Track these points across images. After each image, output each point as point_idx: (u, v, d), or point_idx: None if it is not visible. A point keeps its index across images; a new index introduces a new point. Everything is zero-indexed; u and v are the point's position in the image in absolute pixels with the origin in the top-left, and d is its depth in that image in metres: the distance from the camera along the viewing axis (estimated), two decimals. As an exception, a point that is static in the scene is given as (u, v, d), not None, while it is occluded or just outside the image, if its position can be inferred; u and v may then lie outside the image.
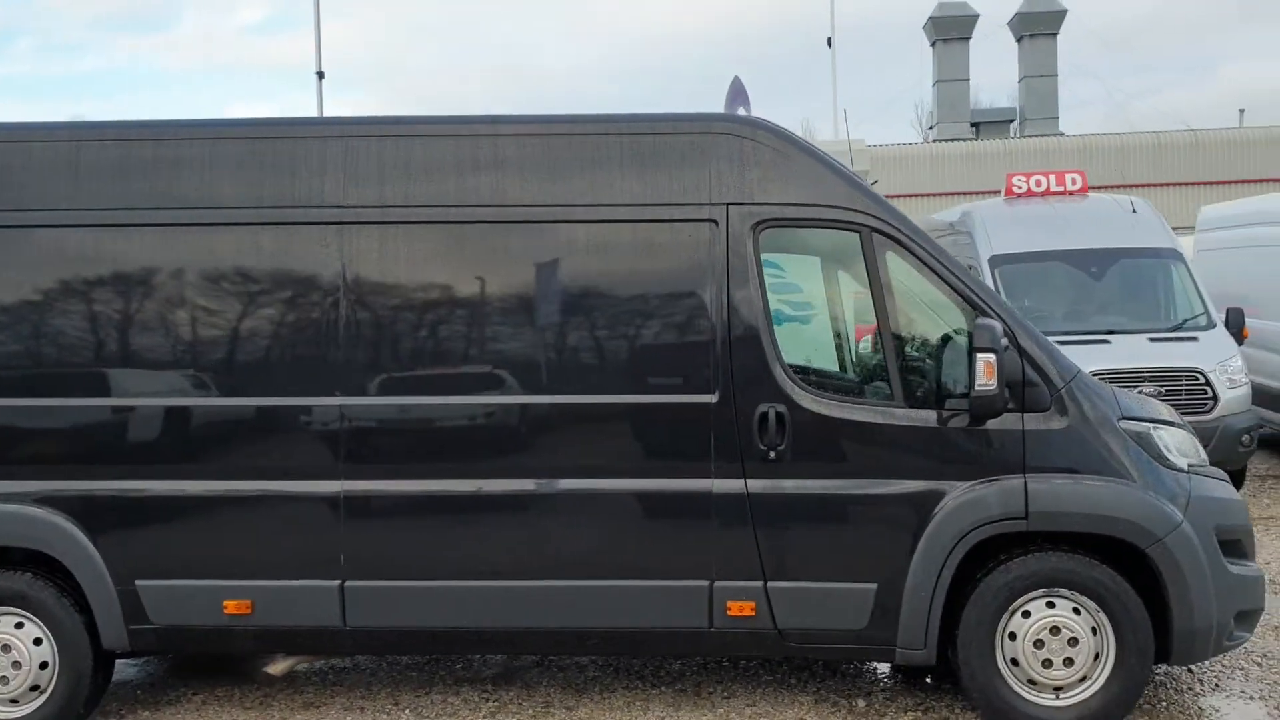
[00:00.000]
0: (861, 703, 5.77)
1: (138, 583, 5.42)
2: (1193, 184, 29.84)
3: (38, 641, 5.47)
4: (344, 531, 5.37)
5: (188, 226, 5.47)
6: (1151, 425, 5.39)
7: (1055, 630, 5.19)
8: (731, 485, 5.26)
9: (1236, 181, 29.15)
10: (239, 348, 5.46)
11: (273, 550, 5.41)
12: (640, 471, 5.34)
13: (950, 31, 37.49)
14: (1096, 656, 5.19)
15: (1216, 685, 5.91)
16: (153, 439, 5.48)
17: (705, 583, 5.29)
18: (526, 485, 5.36)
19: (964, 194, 24.36)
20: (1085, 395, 5.25)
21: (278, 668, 6.15)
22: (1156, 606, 5.18)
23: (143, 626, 5.46)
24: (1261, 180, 29.05)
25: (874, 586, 5.23)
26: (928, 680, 6.02)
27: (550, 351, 5.42)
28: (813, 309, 5.92)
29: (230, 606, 5.40)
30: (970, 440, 5.20)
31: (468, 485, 5.38)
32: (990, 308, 5.21)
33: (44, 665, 5.48)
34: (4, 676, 5.46)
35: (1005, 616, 5.22)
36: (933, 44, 38.04)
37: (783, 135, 5.45)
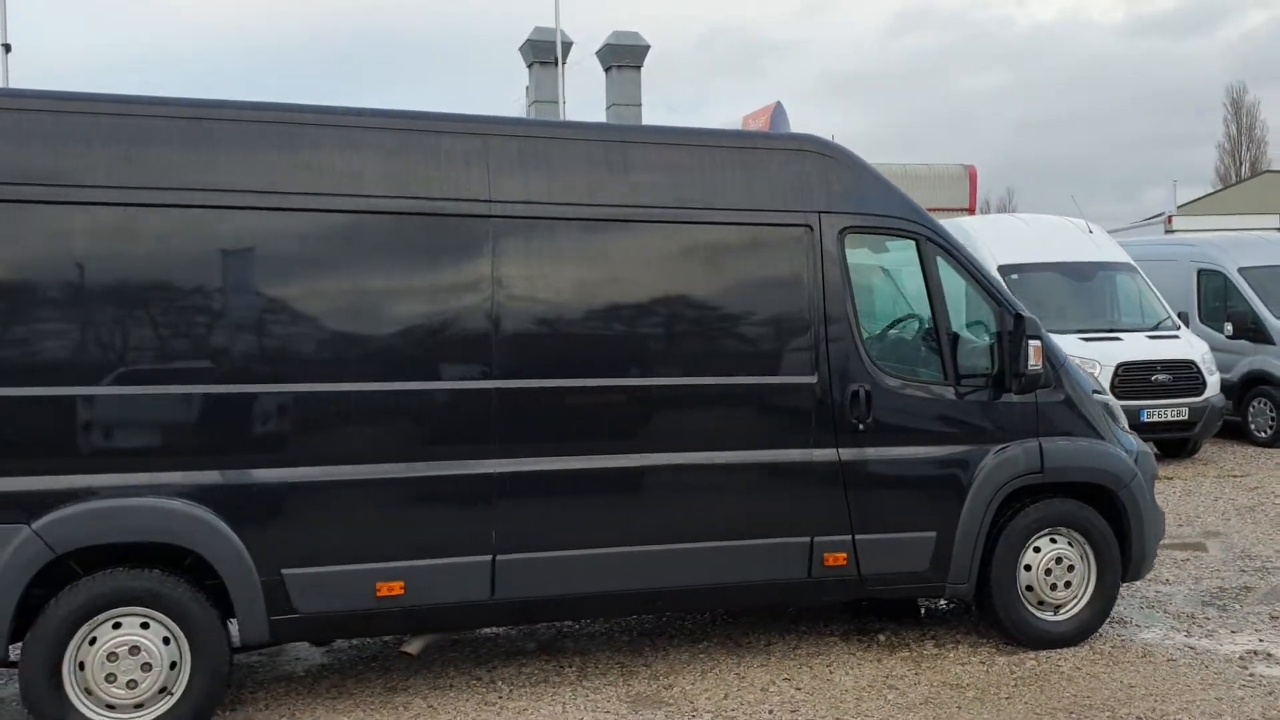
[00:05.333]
0: (882, 637, 6.84)
1: (284, 572, 5.33)
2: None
3: (166, 641, 5.21)
4: (497, 508, 5.61)
5: (332, 213, 5.46)
6: (1108, 398, 6.94)
7: (1059, 560, 6.56)
8: (828, 454, 6.13)
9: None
10: (395, 333, 5.52)
11: (427, 530, 5.54)
12: (755, 444, 6.07)
13: (545, 56, 39.33)
14: (1084, 580, 6.63)
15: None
16: (304, 426, 5.40)
17: (807, 539, 6.11)
18: (660, 459, 5.90)
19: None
20: (1072, 375, 6.68)
21: (413, 646, 6.12)
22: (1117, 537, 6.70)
23: (286, 616, 5.36)
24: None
25: (934, 534, 6.31)
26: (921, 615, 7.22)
27: (675, 339, 6.00)
28: (884, 303, 6.91)
29: (383, 589, 5.46)
30: (1001, 411, 6.44)
31: (611, 461, 5.82)
32: (1013, 305, 6.48)
33: (172, 666, 5.22)
34: (132, 680, 5.14)
35: (1023, 552, 6.52)
36: (529, 66, 39.74)
37: (856, 157, 6.41)
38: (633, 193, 5.92)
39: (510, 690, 6.01)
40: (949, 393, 6.36)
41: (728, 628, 7.08)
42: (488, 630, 6.96)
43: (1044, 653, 6.48)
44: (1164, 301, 14.54)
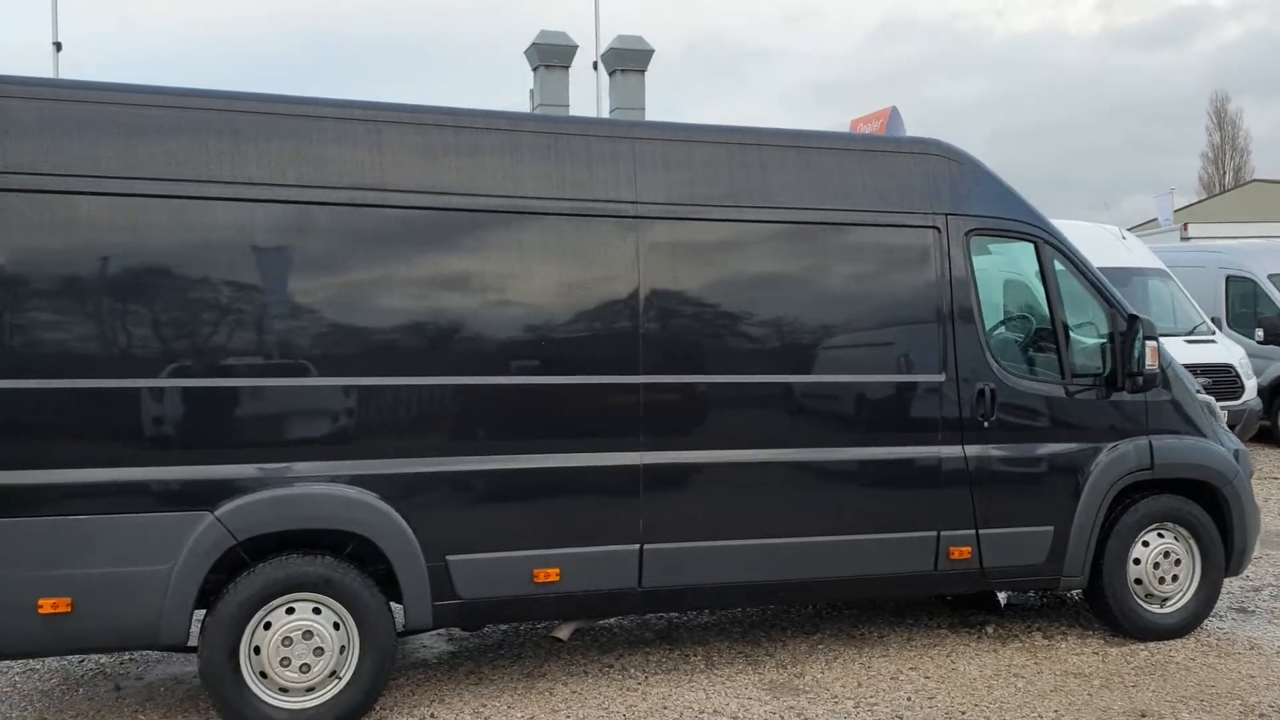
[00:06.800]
0: (990, 628, 7.03)
1: (449, 558, 5.47)
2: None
3: (335, 626, 5.34)
4: (643, 499, 5.77)
5: (492, 213, 5.61)
6: (1209, 398, 7.15)
7: (1166, 554, 6.76)
8: (954, 451, 6.31)
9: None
10: (551, 329, 5.67)
11: (580, 518, 5.69)
12: (886, 441, 6.24)
13: (551, 59, 39.44)
14: (1190, 573, 6.83)
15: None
16: (467, 417, 5.55)
17: (934, 533, 6.29)
18: (796, 454, 6.07)
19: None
20: (1178, 375, 6.89)
21: (563, 631, 6.25)
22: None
23: (449, 602, 5.51)
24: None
25: (1051, 529, 6.50)
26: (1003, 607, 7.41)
27: (811, 337, 6.17)
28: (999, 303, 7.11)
29: (540, 575, 5.61)
30: (1114, 409, 6.63)
31: (749, 455, 5.99)
32: (1124, 307, 6.67)
33: (341, 650, 5.35)
34: (306, 664, 5.27)
35: (1132, 546, 6.72)
36: (534, 69, 39.86)
37: (977, 161, 6.60)
38: (769, 193, 6.09)
39: (645, 677, 6.17)
40: (1066, 392, 6.55)
41: (838, 620, 7.26)
42: (604, 620, 7.12)
43: (1154, 644, 6.68)
44: (1198, 306, 14.80)
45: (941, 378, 6.30)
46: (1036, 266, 6.63)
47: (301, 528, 5.27)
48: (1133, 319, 6.53)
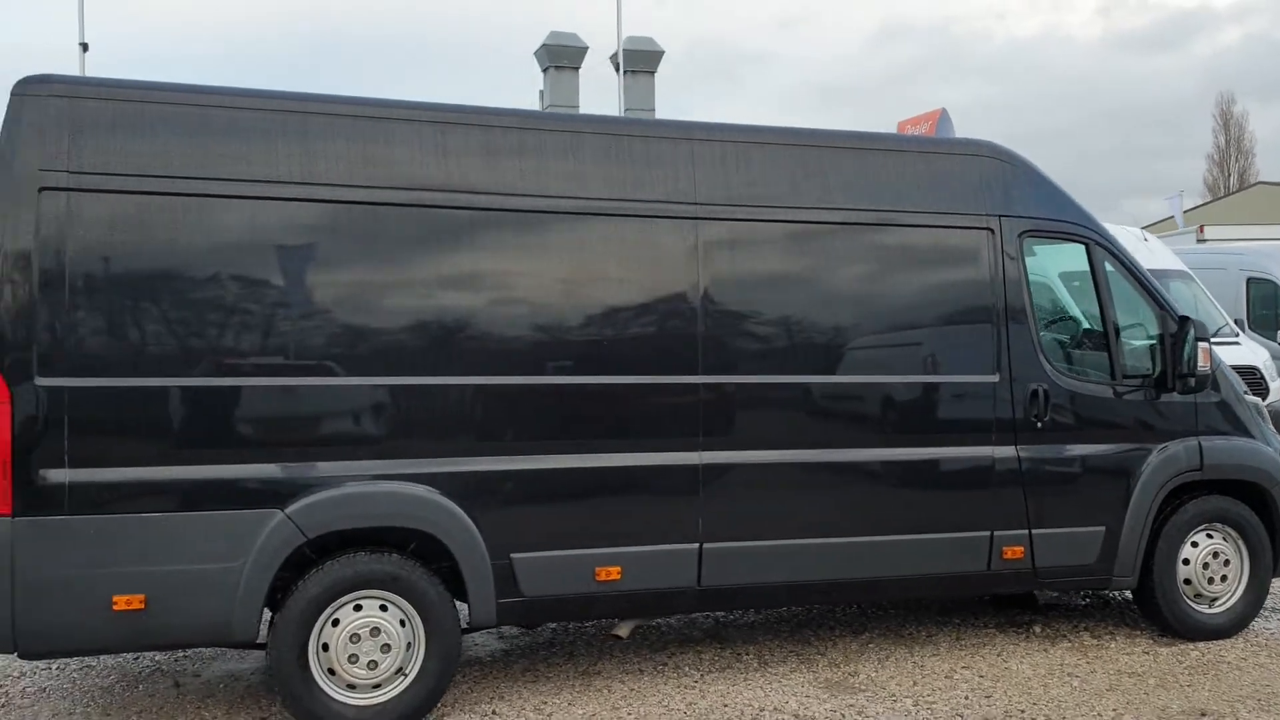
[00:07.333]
0: (1037, 628, 7.06)
1: (513, 556, 5.50)
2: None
3: (402, 623, 5.37)
4: (702, 498, 5.80)
5: (554, 214, 5.65)
6: (1256, 399, 7.18)
7: (1215, 555, 6.79)
8: (1007, 451, 6.34)
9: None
10: (611, 329, 5.71)
11: (641, 517, 5.73)
12: (941, 441, 6.27)
13: (561, 60, 39.49)
14: (1238, 574, 6.86)
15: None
16: (530, 416, 5.58)
17: (988, 533, 6.32)
18: (852, 455, 6.10)
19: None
20: (1226, 376, 6.92)
21: (623, 629, 6.28)
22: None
23: (512, 600, 5.54)
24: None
25: (1103, 529, 6.52)
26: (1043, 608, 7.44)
27: (867, 337, 6.20)
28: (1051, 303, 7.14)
29: (601, 573, 5.64)
30: (1163, 410, 6.66)
31: (805, 455, 6.02)
32: (1174, 309, 6.71)
33: (407, 647, 5.38)
34: (373, 661, 5.30)
35: (1182, 547, 6.75)
36: (544, 70, 39.92)
37: (1030, 163, 6.63)
38: (828, 195, 6.12)
39: (700, 675, 6.20)
40: (1116, 393, 6.59)
41: (884, 619, 7.29)
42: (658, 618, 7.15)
43: (1203, 644, 6.71)
44: (1220, 308, 14.82)
45: (995, 378, 6.33)
46: (1088, 267, 6.66)
47: (370, 525, 5.31)
48: (1184, 320, 6.57)
